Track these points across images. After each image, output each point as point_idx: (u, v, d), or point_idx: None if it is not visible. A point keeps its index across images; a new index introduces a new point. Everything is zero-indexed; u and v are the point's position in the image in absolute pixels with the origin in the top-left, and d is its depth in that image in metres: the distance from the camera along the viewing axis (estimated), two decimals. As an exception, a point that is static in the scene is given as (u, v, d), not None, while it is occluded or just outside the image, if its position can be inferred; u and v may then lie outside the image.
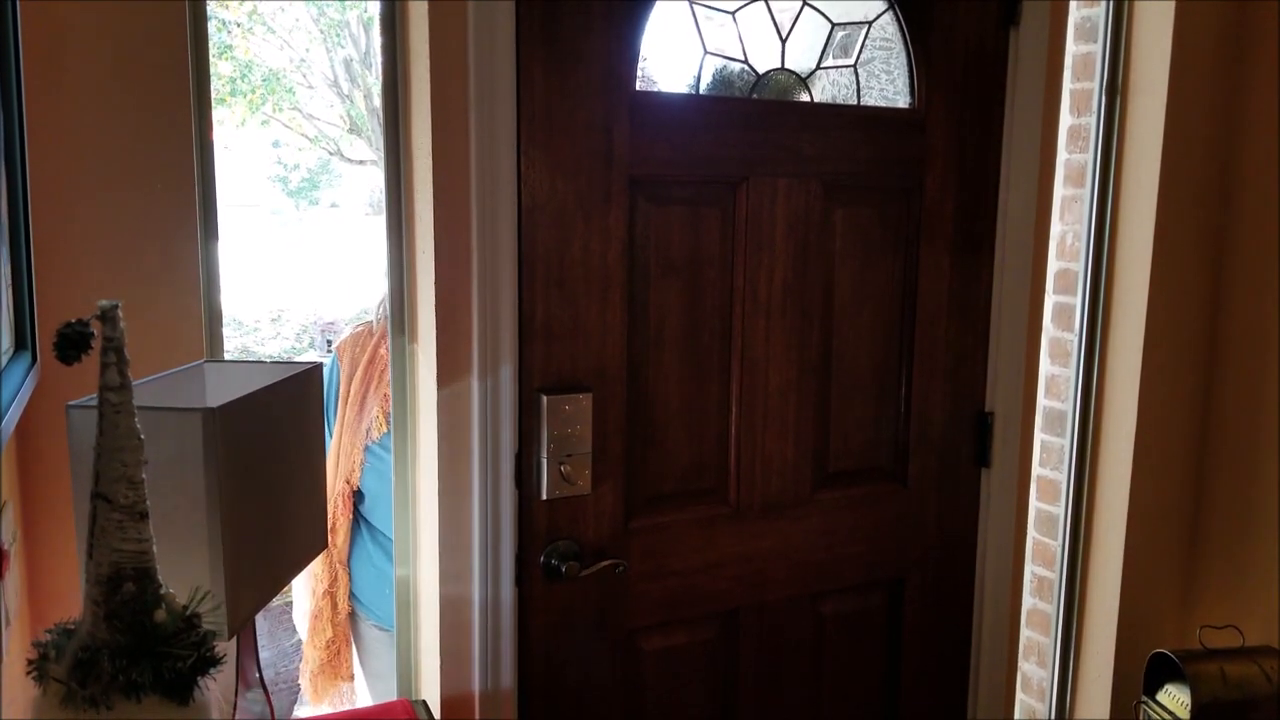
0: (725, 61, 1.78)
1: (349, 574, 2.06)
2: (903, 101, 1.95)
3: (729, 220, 1.77)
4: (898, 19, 1.92)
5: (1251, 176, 1.88)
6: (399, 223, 1.62)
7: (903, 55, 1.94)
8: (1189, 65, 1.81)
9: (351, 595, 2.07)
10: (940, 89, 1.94)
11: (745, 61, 1.79)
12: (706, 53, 1.75)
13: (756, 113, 1.77)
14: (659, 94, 1.72)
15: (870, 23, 1.90)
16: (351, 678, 2.09)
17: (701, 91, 1.77)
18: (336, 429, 2.01)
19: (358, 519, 2.07)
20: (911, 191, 1.95)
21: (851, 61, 1.89)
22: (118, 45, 1.29)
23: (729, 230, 1.77)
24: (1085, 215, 1.94)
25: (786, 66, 1.84)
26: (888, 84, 1.95)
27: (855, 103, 1.90)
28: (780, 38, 1.82)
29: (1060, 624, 2.01)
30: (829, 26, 1.87)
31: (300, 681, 2.17)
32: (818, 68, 1.88)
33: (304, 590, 2.10)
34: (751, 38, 1.79)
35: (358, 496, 2.05)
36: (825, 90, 1.90)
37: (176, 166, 1.35)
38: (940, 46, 1.93)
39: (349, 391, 2.02)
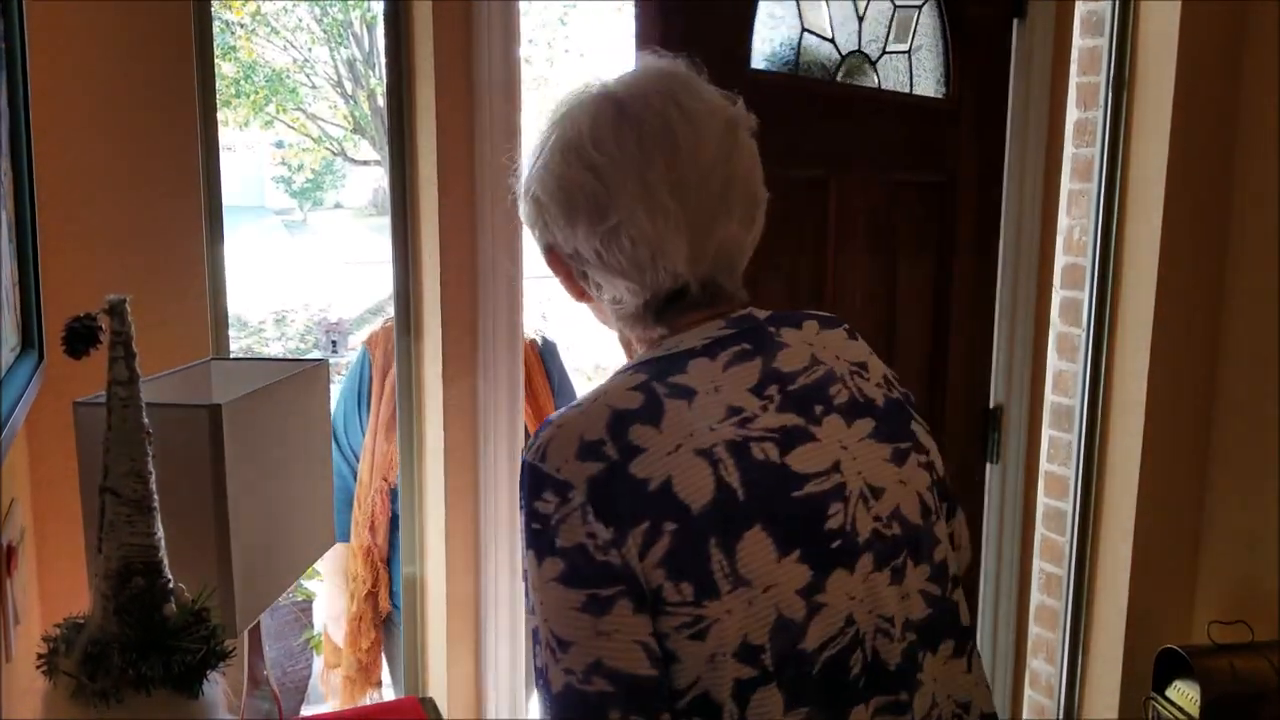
0: (818, 40, 1.69)
1: (389, 574, 2.01)
2: (933, 93, 1.91)
3: (822, 213, 1.72)
4: (939, 6, 1.88)
5: (1257, 169, 1.87)
6: (404, 222, 1.62)
7: (939, 44, 1.89)
8: (1195, 58, 1.81)
9: (390, 595, 2.00)
10: (969, 81, 1.91)
11: (833, 41, 1.71)
12: (805, 30, 1.65)
13: (849, 99, 1.69)
14: (772, 74, 1.60)
15: (920, 6, 1.83)
16: (381, 684, 2.03)
17: (798, 72, 1.66)
18: (371, 424, 1.94)
19: (395, 516, 2.00)
20: (945, 185, 1.93)
21: (907, 47, 1.84)
22: (122, 46, 1.30)
23: (821, 223, 1.72)
24: (1092, 210, 1.93)
25: (861, 49, 1.76)
26: (923, 74, 1.91)
27: (909, 90, 1.85)
28: (858, 16, 1.75)
29: (1068, 620, 2.00)
30: (891, 8, 1.80)
31: (322, 686, 2.11)
32: (884, 52, 1.80)
33: (337, 593, 2.00)
34: (835, 15, 1.71)
35: (394, 494, 1.99)
36: (888, 76, 1.83)
37: (181, 167, 1.35)
38: (969, 37, 1.90)
39: (383, 388, 1.96)
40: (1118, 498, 1.88)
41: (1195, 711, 1.73)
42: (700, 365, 0.78)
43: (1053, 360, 2.05)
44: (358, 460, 1.95)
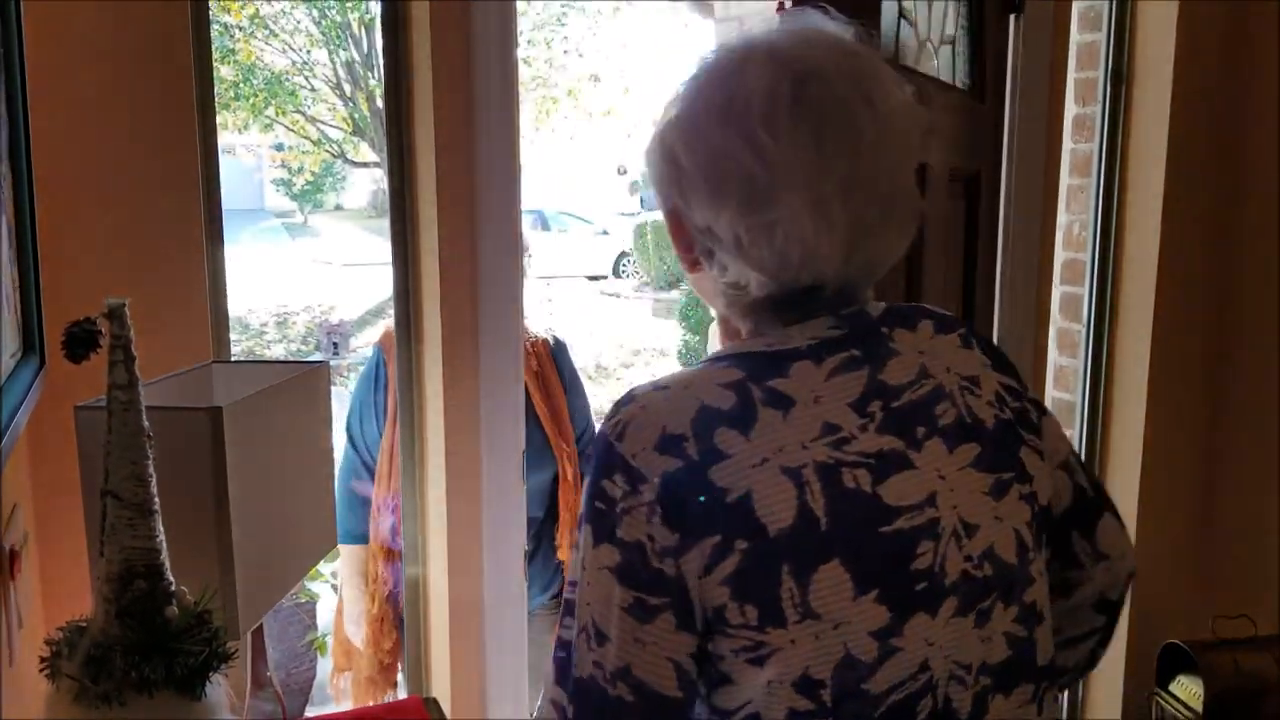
0: (909, 27, 1.61)
1: None
2: (962, 85, 1.85)
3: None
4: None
5: (1258, 162, 1.87)
6: (403, 224, 1.62)
7: (966, 38, 1.82)
8: (1193, 52, 1.81)
9: None
10: (990, 75, 1.88)
11: (915, 26, 1.64)
12: (901, 17, 1.58)
13: (935, 90, 1.65)
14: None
15: (956, -1, 1.76)
16: (397, 685, 2.02)
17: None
18: (388, 424, 1.92)
19: None
20: (971, 180, 1.90)
21: (953, 35, 1.78)
22: (121, 50, 1.30)
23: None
24: (1091, 205, 1.93)
25: (929, 36, 1.70)
26: (959, 66, 1.85)
27: (952, 83, 1.80)
28: (929, 1, 1.66)
29: (1071, 615, 2.00)
30: (946, -3, 1.71)
31: (331, 690, 2.08)
32: (943, 42, 1.74)
33: (358, 594, 1.97)
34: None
35: None
36: (940, 68, 1.76)
37: (181, 170, 1.35)
38: (989, 31, 1.86)
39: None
40: (1120, 493, 1.88)
41: (1199, 706, 1.72)
42: (803, 370, 0.72)
43: (1053, 356, 2.05)
44: (374, 460, 1.94)
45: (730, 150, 0.71)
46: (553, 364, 2.06)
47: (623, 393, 0.74)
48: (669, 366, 8.16)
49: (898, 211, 0.74)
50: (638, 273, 13.35)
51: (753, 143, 0.70)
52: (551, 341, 2.08)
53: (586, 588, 0.70)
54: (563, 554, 2.05)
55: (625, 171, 23.82)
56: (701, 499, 0.67)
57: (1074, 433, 1.97)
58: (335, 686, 2.07)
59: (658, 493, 0.67)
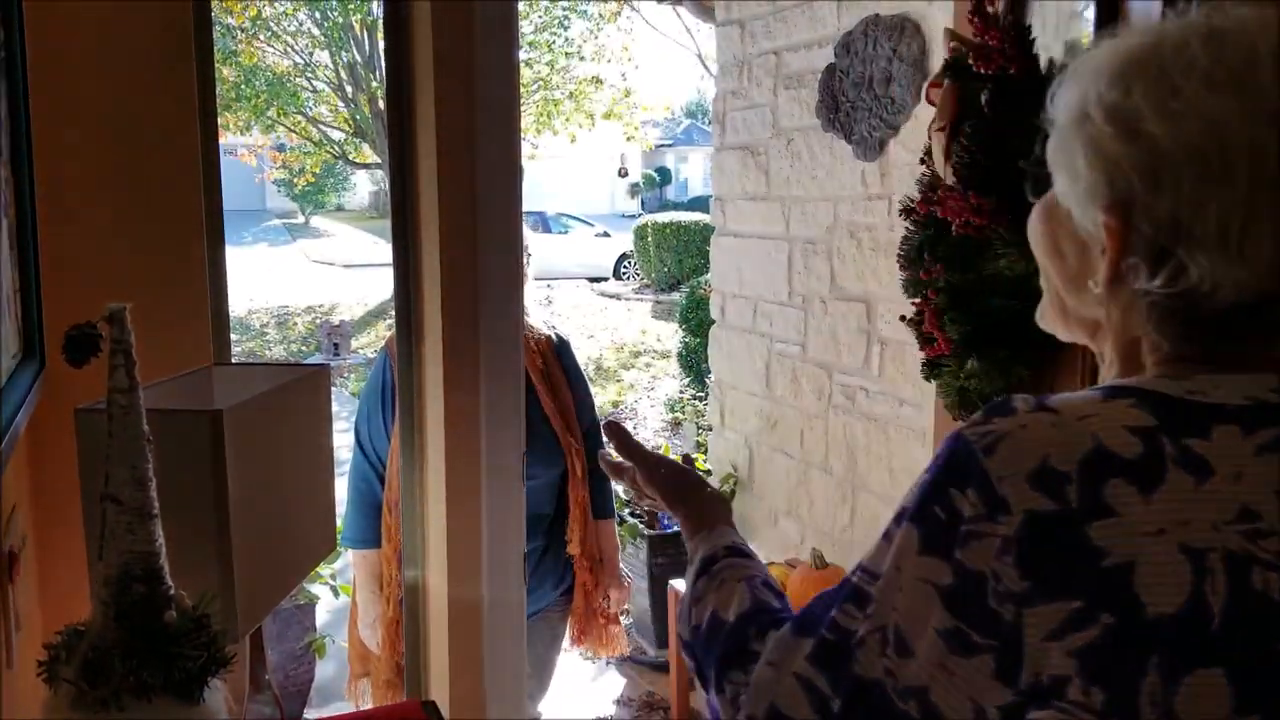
0: None
1: None
2: None
3: None
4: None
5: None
6: (404, 225, 1.62)
7: None
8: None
9: None
10: None
11: None
12: None
13: None
14: None
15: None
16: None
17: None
18: (396, 430, 1.90)
19: None
20: None
21: None
22: (123, 53, 1.30)
23: None
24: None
25: None
26: None
27: None
28: None
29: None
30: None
31: (348, 697, 2.07)
32: None
33: (373, 599, 1.96)
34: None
35: None
36: None
37: (182, 172, 1.35)
38: None
39: None
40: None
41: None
42: (1228, 436, 0.60)
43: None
44: (383, 465, 1.93)
45: (1236, 123, 0.60)
46: (557, 361, 2.07)
47: (999, 398, 0.64)
48: (669, 368, 8.16)
49: None
50: (638, 274, 13.37)
51: (1263, 109, 0.59)
52: (554, 339, 2.09)
53: (897, 592, 0.63)
54: (572, 549, 2.05)
55: (626, 174, 23.84)
56: (1070, 554, 0.58)
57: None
58: (354, 691, 2.05)
59: (1017, 530, 0.59)
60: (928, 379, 1.53)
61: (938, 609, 0.61)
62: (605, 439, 1.64)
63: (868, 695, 0.63)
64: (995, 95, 1.24)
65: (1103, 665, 0.57)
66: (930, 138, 1.40)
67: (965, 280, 1.31)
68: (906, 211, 1.50)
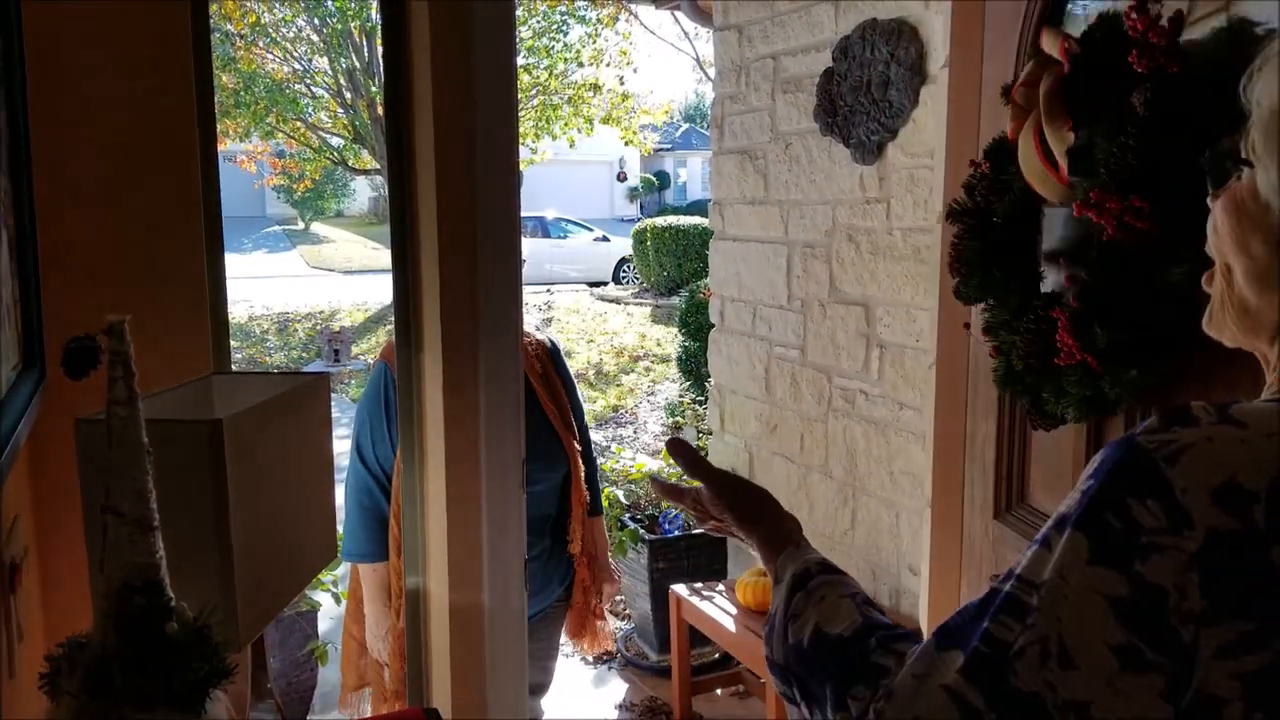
0: None
1: None
2: None
3: None
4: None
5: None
6: (403, 231, 1.62)
7: None
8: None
9: None
10: None
11: None
12: None
13: None
14: None
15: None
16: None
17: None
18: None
19: None
20: None
21: None
22: (121, 60, 1.30)
23: None
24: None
25: None
26: None
27: None
28: None
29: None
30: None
31: (345, 710, 2.07)
32: None
33: (383, 611, 1.95)
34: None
35: None
36: None
37: (181, 179, 1.35)
38: None
39: None
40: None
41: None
42: None
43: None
44: (389, 478, 1.91)
45: None
46: (553, 366, 2.10)
47: (1174, 406, 0.61)
48: (669, 372, 8.15)
49: None
50: (638, 279, 13.37)
51: None
52: (549, 344, 2.14)
53: (1062, 602, 0.60)
54: (573, 548, 2.07)
55: (625, 178, 23.85)
56: (1250, 576, 0.56)
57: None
58: (349, 702, 2.04)
59: (1200, 545, 0.57)
60: (1003, 390, 1.46)
61: (1112, 624, 0.58)
62: (670, 459, 1.62)
63: (1024, 709, 0.60)
64: (1155, 95, 1.19)
65: (1268, 692, 0.55)
66: (1034, 141, 1.33)
67: (1115, 285, 1.24)
68: (953, 215, 1.46)
